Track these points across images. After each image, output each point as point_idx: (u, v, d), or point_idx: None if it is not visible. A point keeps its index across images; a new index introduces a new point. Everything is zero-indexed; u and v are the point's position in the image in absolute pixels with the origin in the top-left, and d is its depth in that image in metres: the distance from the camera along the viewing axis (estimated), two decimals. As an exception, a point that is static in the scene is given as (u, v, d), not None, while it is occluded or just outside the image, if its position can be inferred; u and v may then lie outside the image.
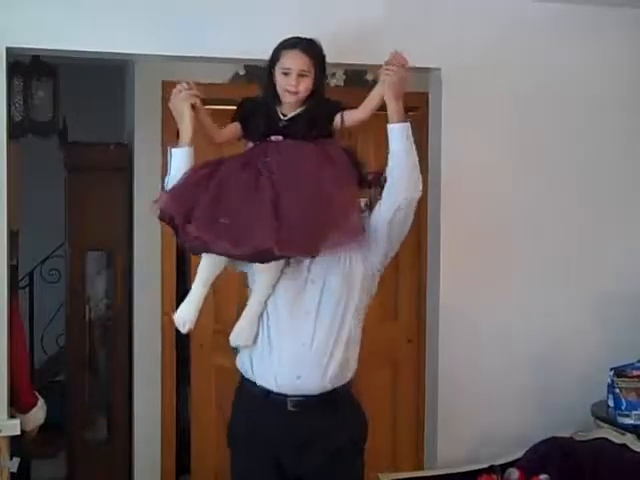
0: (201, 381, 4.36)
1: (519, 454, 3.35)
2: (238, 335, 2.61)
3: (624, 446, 3.16)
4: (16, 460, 3.21)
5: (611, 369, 3.43)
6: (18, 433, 3.10)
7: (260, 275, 2.57)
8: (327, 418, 2.54)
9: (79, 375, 4.64)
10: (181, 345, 4.33)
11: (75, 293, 4.61)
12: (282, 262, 2.53)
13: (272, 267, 2.52)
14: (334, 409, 2.55)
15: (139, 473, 4.33)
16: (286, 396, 2.51)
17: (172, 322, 4.18)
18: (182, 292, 4.25)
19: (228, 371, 4.24)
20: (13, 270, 3.42)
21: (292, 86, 2.52)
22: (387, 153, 2.60)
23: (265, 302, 2.57)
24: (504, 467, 3.31)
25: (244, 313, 2.61)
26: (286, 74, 2.53)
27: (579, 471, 3.20)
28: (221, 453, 4.33)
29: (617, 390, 3.37)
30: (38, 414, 3.23)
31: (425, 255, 3.71)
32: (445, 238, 3.50)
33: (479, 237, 3.50)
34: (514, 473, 3.26)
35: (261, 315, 2.58)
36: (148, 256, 4.31)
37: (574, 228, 3.64)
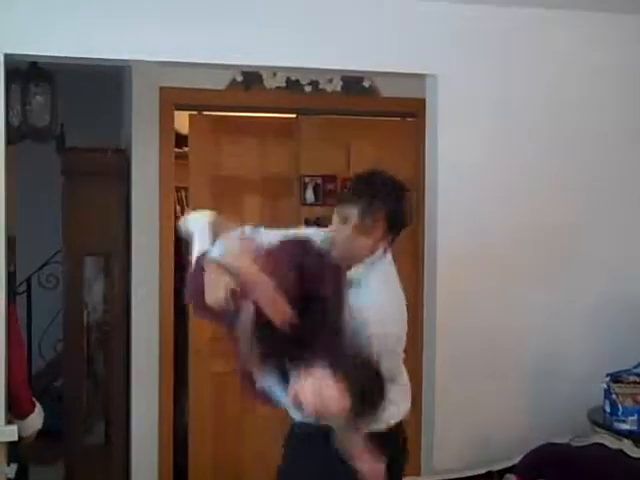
0: (199, 387, 4.36)
1: (516, 460, 3.35)
2: None
3: (620, 452, 3.16)
4: (14, 466, 3.21)
5: (607, 375, 3.43)
6: (16, 439, 3.10)
7: None
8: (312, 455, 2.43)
9: (77, 381, 4.63)
10: (179, 351, 4.33)
11: (73, 299, 4.60)
12: None
13: None
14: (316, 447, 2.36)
15: (137, 479, 4.33)
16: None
17: (170, 327, 4.27)
18: (179, 298, 4.29)
19: (225, 377, 4.30)
20: (10, 276, 3.42)
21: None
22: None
23: None
24: (501, 473, 3.31)
25: None
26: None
27: (576, 477, 3.20)
28: (218, 459, 4.37)
29: (613, 396, 3.37)
30: (36, 420, 3.22)
31: (422, 261, 3.72)
32: (442, 243, 3.50)
33: (476, 241, 3.50)
34: (511, 479, 3.26)
35: None
36: (146, 261, 4.31)
37: (573, 231, 3.64)
